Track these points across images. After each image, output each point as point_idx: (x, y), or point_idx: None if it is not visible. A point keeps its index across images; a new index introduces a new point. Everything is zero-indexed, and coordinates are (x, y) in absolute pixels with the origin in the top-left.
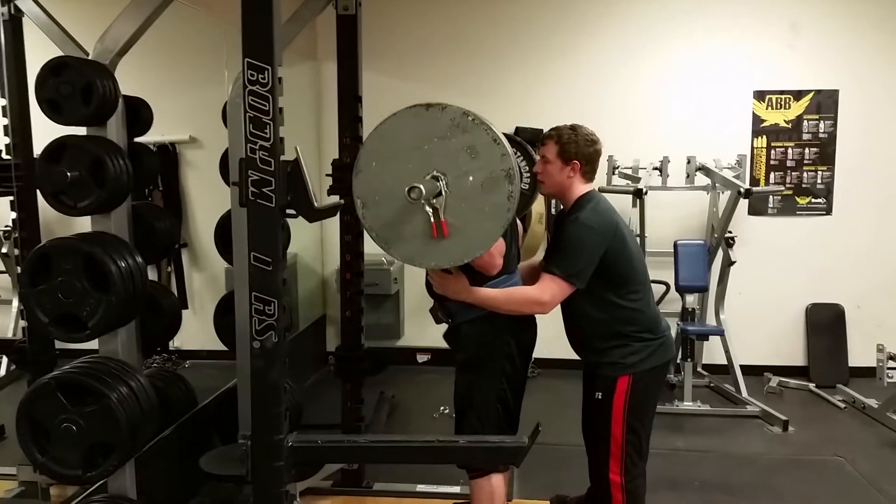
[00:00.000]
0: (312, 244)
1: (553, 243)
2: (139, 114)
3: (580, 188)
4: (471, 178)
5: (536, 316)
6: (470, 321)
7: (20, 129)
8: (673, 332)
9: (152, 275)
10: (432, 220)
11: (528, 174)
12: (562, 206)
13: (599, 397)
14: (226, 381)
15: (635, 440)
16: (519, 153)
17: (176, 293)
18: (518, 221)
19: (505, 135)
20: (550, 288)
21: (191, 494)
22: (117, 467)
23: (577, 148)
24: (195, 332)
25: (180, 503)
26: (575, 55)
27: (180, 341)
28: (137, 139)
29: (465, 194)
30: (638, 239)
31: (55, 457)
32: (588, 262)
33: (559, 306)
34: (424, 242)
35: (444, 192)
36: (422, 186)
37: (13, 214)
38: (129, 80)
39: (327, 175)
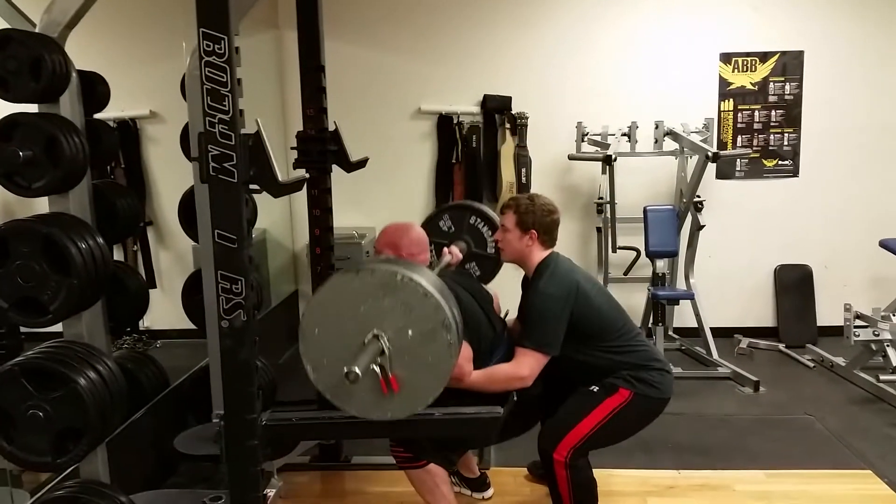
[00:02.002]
0: (281, 219)
1: (520, 313)
2: (95, 89)
3: (539, 255)
4: (410, 332)
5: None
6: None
7: None
8: (643, 298)
9: (118, 254)
10: (381, 376)
11: (493, 239)
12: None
13: (594, 390)
14: (198, 360)
15: (596, 442)
16: (478, 219)
17: (143, 272)
18: (494, 294)
19: (462, 205)
20: (527, 362)
21: (168, 474)
22: (87, 452)
23: (535, 217)
24: (164, 311)
25: (157, 484)
26: (541, 21)
27: (150, 321)
28: (95, 115)
29: (407, 347)
30: (608, 207)
31: (23, 444)
32: (556, 330)
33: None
34: (377, 398)
35: (386, 350)
36: (356, 369)
37: None
38: (84, 54)
39: (292, 148)
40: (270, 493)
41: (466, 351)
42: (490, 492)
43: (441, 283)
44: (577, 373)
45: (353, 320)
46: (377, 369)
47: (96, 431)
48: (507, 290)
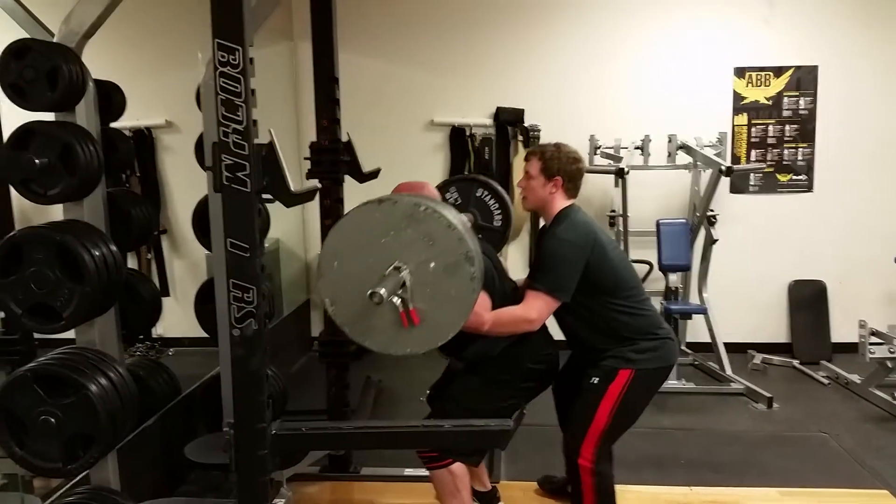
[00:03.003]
0: (294, 229)
1: (535, 259)
2: (111, 98)
3: (561, 203)
4: (432, 265)
5: None
6: (495, 356)
7: None
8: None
9: (132, 262)
10: (401, 310)
11: (499, 212)
12: (543, 221)
13: (595, 382)
14: (210, 368)
15: (614, 432)
16: (488, 192)
17: (157, 280)
18: (500, 260)
19: (469, 178)
20: (536, 305)
21: (179, 482)
22: (98, 459)
23: (560, 164)
24: (178, 319)
25: (168, 491)
26: (555, 35)
27: (163, 329)
28: (112, 124)
29: (429, 280)
30: (621, 219)
31: (34, 450)
32: (570, 276)
33: (558, 324)
34: (397, 332)
35: (407, 282)
36: (381, 291)
37: None
38: (102, 63)
39: (306, 158)
40: (280, 503)
41: (485, 300)
42: None
43: (464, 218)
44: (582, 340)
45: (373, 252)
46: (398, 302)
47: (107, 438)
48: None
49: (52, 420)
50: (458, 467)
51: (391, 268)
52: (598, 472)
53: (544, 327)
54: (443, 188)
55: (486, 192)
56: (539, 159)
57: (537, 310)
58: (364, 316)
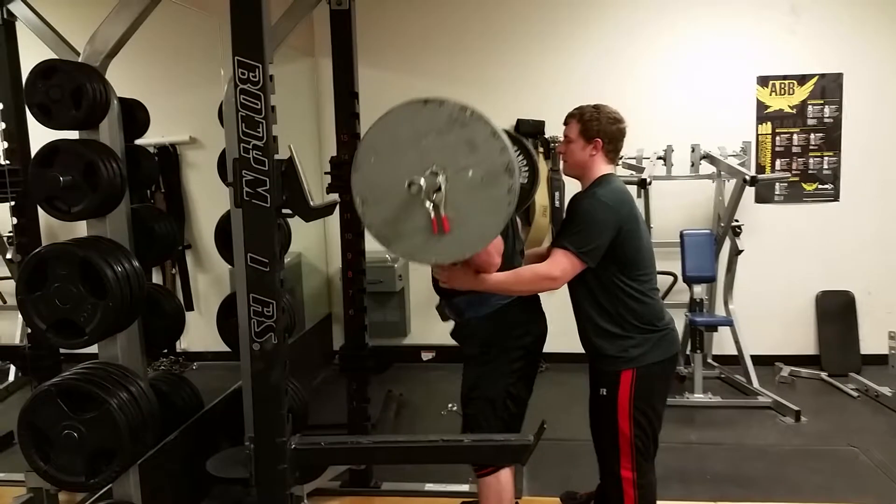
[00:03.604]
0: (316, 243)
1: (566, 219)
2: (135, 116)
3: (602, 168)
4: (470, 173)
5: (546, 309)
6: (481, 317)
7: (17, 134)
8: (681, 324)
9: (157, 277)
10: (433, 215)
11: (527, 169)
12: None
13: (604, 393)
14: (233, 383)
15: (643, 435)
16: (517, 148)
17: (181, 295)
18: (517, 218)
19: (504, 131)
20: (561, 263)
21: (200, 497)
22: (120, 473)
23: (600, 126)
24: (201, 333)
25: None
26: (575, 45)
27: (187, 343)
28: (137, 141)
29: (464, 189)
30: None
31: (58, 464)
32: (601, 240)
33: (568, 293)
34: (425, 238)
35: (443, 187)
36: (422, 181)
37: (14, 220)
38: (128, 82)
39: (326, 173)
40: None
41: (499, 243)
42: None
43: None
44: (586, 318)
45: (412, 153)
46: (430, 206)
47: (128, 452)
48: None
49: (75, 434)
50: (506, 476)
51: (428, 171)
52: (641, 484)
53: (536, 300)
54: None
55: (514, 148)
56: (578, 121)
57: (561, 268)
58: (394, 218)
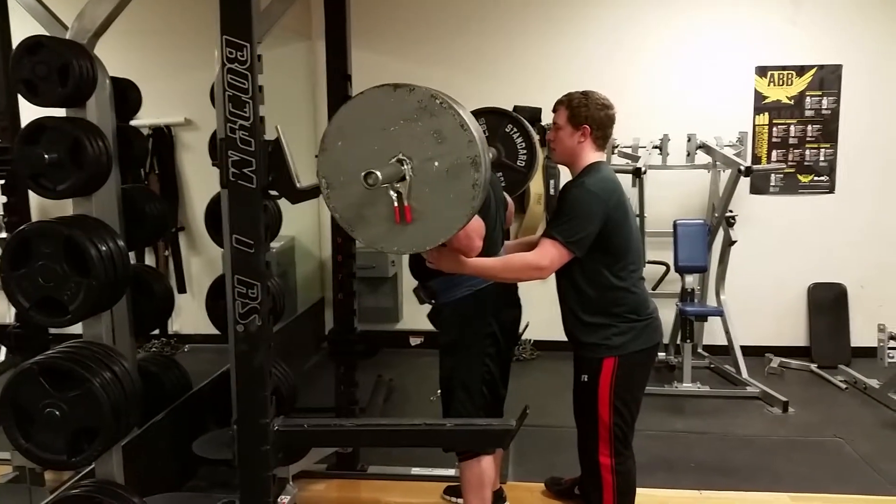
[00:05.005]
0: (310, 227)
1: (556, 208)
2: (127, 96)
3: (591, 155)
4: (436, 164)
5: (535, 298)
6: (452, 302)
7: (8, 112)
8: (672, 313)
9: (150, 259)
10: (396, 204)
11: (525, 152)
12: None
13: (585, 380)
14: (222, 365)
15: (622, 423)
16: (517, 130)
17: (174, 277)
18: (510, 200)
19: (501, 111)
20: (550, 253)
21: (187, 477)
22: (102, 452)
23: (588, 112)
24: (193, 316)
25: (177, 487)
26: (573, 33)
27: (179, 325)
28: (133, 122)
29: (429, 180)
30: (637, 219)
31: (40, 442)
32: (589, 230)
33: (555, 280)
34: (388, 227)
35: (408, 177)
36: (378, 173)
37: (4, 199)
38: (124, 62)
39: (317, 156)
40: (285, 499)
41: (479, 226)
42: None
43: (478, 125)
44: (570, 308)
45: (379, 139)
46: (394, 196)
47: (110, 431)
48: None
49: (57, 412)
50: (487, 461)
51: (394, 159)
52: (619, 471)
53: (512, 287)
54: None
55: (514, 129)
56: (566, 108)
57: (550, 258)
58: (358, 204)
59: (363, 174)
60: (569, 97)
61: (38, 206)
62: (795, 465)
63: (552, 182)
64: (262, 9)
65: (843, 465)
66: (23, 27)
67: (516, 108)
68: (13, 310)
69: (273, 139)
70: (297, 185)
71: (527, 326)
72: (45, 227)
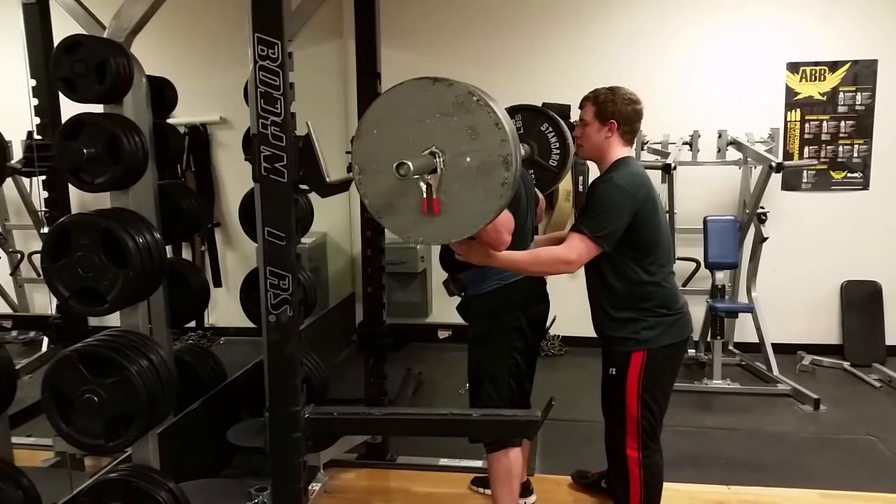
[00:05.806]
0: (342, 223)
1: (585, 204)
2: (163, 94)
3: (618, 151)
4: (468, 160)
5: (564, 293)
6: (481, 295)
7: (49, 110)
8: (702, 310)
9: (186, 254)
10: (425, 195)
11: (558, 152)
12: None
13: (613, 373)
14: (256, 357)
15: (650, 416)
16: (552, 129)
17: (210, 272)
18: (541, 197)
19: (537, 109)
20: (578, 247)
21: (223, 466)
22: (137, 437)
23: (615, 107)
24: (229, 309)
25: (212, 473)
26: (603, 29)
27: (215, 318)
28: (169, 121)
29: (460, 174)
30: (667, 216)
31: (79, 427)
32: (617, 224)
33: (584, 275)
34: (416, 217)
35: (440, 170)
36: (410, 164)
37: (45, 194)
38: (161, 62)
39: (348, 152)
40: (316, 487)
41: (508, 220)
42: (533, 498)
43: (513, 124)
44: (599, 303)
45: (414, 131)
46: (424, 187)
47: (146, 417)
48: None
49: (95, 398)
50: (515, 453)
51: (427, 151)
52: (647, 464)
53: (540, 281)
54: (510, 113)
55: (549, 128)
56: (593, 103)
57: (578, 252)
58: (388, 192)
59: (395, 164)
60: (595, 93)
61: (78, 202)
62: (826, 462)
63: (581, 178)
64: (294, 8)
65: (875, 464)
66: (63, 28)
67: (545, 105)
68: (55, 302)
69: (304, 135)
70: (327, 179)
71: (554, 320)
72: (84, 219)
